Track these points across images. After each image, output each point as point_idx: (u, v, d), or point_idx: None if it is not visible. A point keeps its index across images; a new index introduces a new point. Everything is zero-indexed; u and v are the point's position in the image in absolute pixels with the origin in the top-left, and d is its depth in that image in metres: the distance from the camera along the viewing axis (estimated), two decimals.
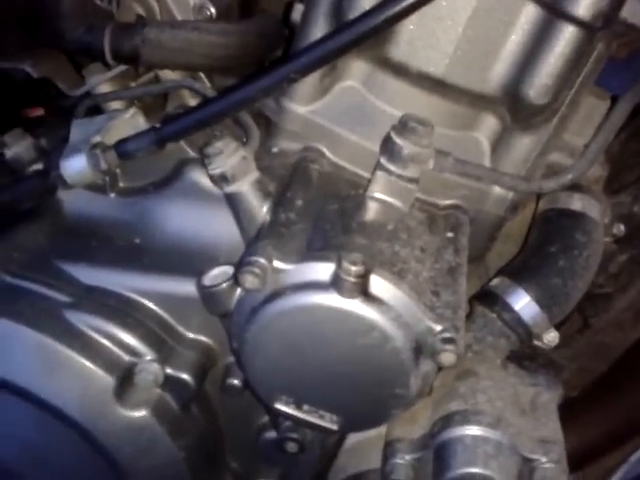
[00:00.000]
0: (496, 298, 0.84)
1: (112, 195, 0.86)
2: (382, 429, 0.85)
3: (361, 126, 0.80)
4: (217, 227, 0.83)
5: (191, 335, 0.83)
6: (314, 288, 0.68)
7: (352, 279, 0.66)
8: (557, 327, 0.86)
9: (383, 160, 0.76)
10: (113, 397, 0.75)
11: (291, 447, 0.80)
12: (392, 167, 0.76)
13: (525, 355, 0.88)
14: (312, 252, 0.70)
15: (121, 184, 0.87)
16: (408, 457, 0.75)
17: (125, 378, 0.76)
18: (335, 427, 0.75)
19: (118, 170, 0.85)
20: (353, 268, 0.65)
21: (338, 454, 0.88)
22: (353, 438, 0.86)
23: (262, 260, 0.68)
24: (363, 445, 0.85)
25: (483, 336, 0.83)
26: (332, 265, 0.68)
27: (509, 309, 0.83)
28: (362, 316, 0.68)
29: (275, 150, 0.83)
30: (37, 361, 0.75)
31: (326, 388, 0.73)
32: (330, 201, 0.79)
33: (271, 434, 0.88)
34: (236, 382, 0.82)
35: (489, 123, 0.81)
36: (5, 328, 0.74)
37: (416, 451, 0.75)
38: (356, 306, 0.67)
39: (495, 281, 0.86)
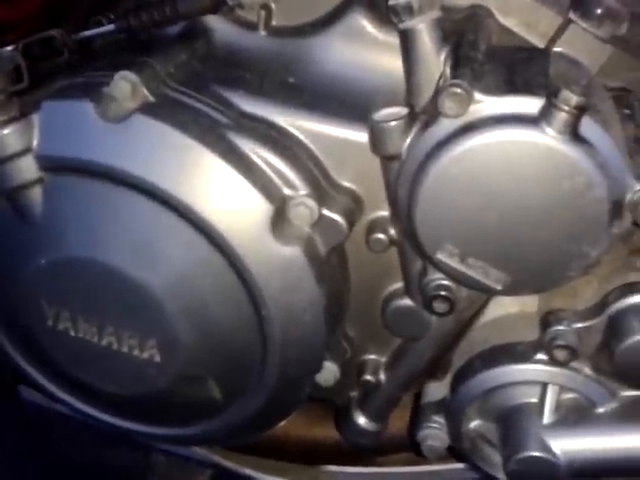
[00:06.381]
0: None
1: (263, 33, 0.83)
2: (527, 305, 0.81)
3: None
4: (378, 74, 0.78)
5: (343, 182, 0.78)
6: (520, 122, 0.63)
7: (569, 110, 0.60)
8: None
9: (574, 16, 0.71)
10: (269, 226, 0.71)
11: (440, 307, 0.76)
12: (584, 24, 0.71)
13: None
14: (516, 85, 0.65)
15: (274, 22, 0.83)
16: (575, 325, 0.71)
17: (281, 210, 0.72)
18: (499, 287, 0.71)
19: (273, 5, 0.81)
20: (575, 97, 0.60)
21: (465, 333, 0.85)
22: (495, 312, 0.82)
23: (465, 85, 0.63)
24: (507, 319, 0.81)
25: None
26: (541, 100, 0.63)
27: None
28: (569, 156, 0.63)
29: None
30: (196, 175, 0.70)
31: (502, 240, 0.68)
32: (513, 50, 0.74)
33: (402, 302, 0.84)
34: (382, 237, 0.78)
35: None
36: (169, 137, 0.69)
37: (584, 320, 0.71)
38: (564, 144, 0.62)
39: None
